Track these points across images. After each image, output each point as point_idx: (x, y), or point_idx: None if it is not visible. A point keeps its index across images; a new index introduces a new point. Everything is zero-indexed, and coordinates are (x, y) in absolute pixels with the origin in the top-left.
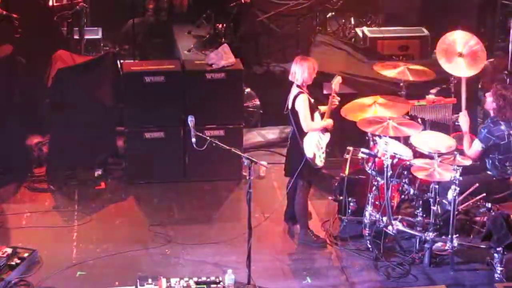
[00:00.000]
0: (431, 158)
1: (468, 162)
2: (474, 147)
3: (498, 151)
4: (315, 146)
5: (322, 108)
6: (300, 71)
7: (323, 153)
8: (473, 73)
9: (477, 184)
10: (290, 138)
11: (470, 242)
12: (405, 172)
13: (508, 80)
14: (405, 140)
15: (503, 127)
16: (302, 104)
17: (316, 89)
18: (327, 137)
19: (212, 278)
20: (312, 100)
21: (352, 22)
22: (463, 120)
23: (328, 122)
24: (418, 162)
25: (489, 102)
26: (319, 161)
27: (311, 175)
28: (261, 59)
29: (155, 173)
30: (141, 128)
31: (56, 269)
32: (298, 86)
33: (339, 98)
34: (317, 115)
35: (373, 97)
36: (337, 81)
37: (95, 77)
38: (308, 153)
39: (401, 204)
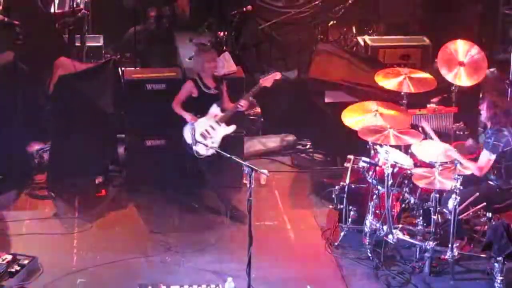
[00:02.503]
0: (432, 167)
1: (468, 172)
2: (484, 159)
3: (505, 158)
4: (198, 134)
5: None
6: (195, 59)
7: (213, 142)
8: (474, 82)
9: (478, 194)
10: None
11: (470, 252)
12: (406, 181)
13: (509, 89)
14: (406, 149)
15: (506, 133)
16: (183, 86)
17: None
18: (224, 129)
19: (212, 286)
20: (211, 90)
21: (354, 31)
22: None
23: (185, 114)
24: (419, 170)
25: (483, 113)
26: (204, 150)
27: (195, 161)
28: (263, 67)
29: (155, 181)
30: (142, 136)
31: (56, 276)
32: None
33: (246, 104)
34: (214, 106)
35: (375, 103)
36: (272, 76)
37: (96, 84)
38: (187, 138)
39: (402, 213)
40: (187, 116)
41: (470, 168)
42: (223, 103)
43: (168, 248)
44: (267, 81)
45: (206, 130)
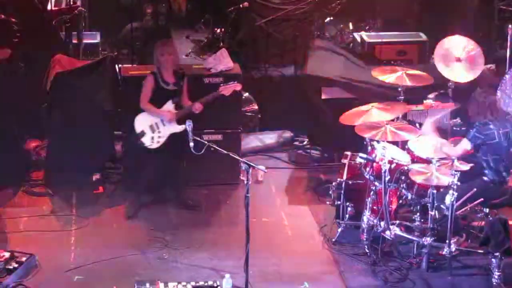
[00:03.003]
0: (429, 162)
1: (466, 167)
2: (462, 145)
3: (490, 152)
4: (148, 126)
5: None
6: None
7: (159, 137)
8: (471, 78)
9: (475, 189)
10: None
11: (468, 247)
12: (403, 177)
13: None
14: (403, 145)
15: (492, 126)
16: (144, 81)
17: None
18: (174, 127)
19: (210, 283)
20: (169, 86)
21: (350, 27)
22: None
23: (161, 111)
24: (416, 166)
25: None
26: (149, 141)
27: (139, 150)
28: (259, 63)
29: (153, 178)
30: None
31: (54, 273)
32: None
33: (200, 107)
34: (169, 103)
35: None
36: (232, 86)
37: (94, 81)
38: (137, 128)
39: (399, 209)
40: (164, 114)
41: (445, 149)
42: (180, 100)
43: (166, 245)
44: (226, 89)
45: (156, 124)
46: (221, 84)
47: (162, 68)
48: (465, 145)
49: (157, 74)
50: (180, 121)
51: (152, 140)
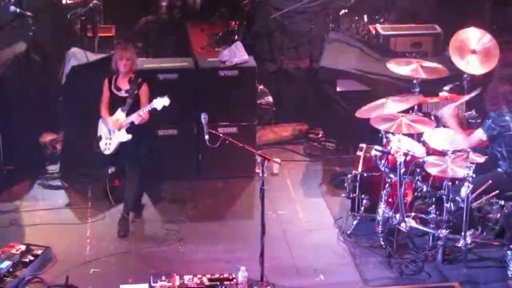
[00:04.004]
0: (445, 155)
1: (481, 159)
2: (476, 135)
3: (505, 143)
4: (103, 131)
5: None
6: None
7: (110, 144)
8: (486, 70)
9: (490, 181)
10: None
11: (483, 239)
12: (418, 170)
13: None
14: (418, 137)
15: (507, 118)
16: (103, 86)
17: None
18: (121, 136)
19: (225, 275)
20: (120, 92)
21: (365, 19)
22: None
23: (110, 119)
24: (431, 159)
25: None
26: (103, 147)
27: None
28: (274, 56)
29: (168, 171)
30: (154, 125)
31: (70, 266)
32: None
33: (138, 119)
34: (119, 111)
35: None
36: (165, 100)
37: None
38: (98, 132)
39: (414, 201)
40: (108, 122)
41: (458, 138)
42: (133, 108)
43: (181, 238)
44: (158, 104)
45: (109, 131)
46: (157, 97)
47: (118, 73)
48: (480, 135)
49: (112, 78)
50: (128, 130)
51: (105, 146)
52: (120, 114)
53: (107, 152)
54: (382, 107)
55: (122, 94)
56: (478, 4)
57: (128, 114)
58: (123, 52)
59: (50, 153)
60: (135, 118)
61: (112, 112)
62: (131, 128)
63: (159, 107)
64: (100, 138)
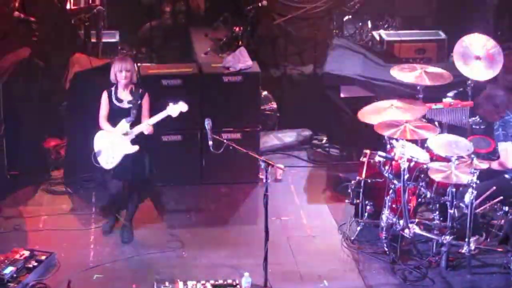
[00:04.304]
0: (449, 161)
1: (485, 165)
2: (503, 149)
3: None
4: (103, 145)
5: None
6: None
7: (113, 157)
8: (490, 76)
9: (494, 188)
10: None
11: (487, 246)
12: (422, 175)
13: None
14: (422, 143)
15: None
16: (101, 99)
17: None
18: (127, 148)
19: (229, 281)
20: (122, 103)
21: (369, 25)
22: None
23: (115, 130)
24: (435, 165)
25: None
26: (104, 162)
27: (101, 170)
28: (278, 62)
29: (172, 176)
30: (158, 131)
31: (74, 272)
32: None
33: (150, 129)
34: (123, 122)
35: (390, 101)
36: (180, 107)
37: None
38: (95, 147)
39: (418, 208)
40: (117, 132)
41: (494, 167)
42: (136, 119)
43: (185, 243)
44: (174, 111)
45: (111, 143)
46: (170, 103)
47: (118, 85)
48: (504, 147)
49: (112, 90)
50: (133, 142)
51: (106, 160)
52: (124, 125)
53: (109, 166)
54: (385, 111)
55: (125, 105)
56: (482, 10)
57: (132, 125)
58: (123, 64)
59: (54, 158)
60: (146, 128)
61: (112, 124)
62: (134, 139)
63: (174, 114)
64: (99, 152)
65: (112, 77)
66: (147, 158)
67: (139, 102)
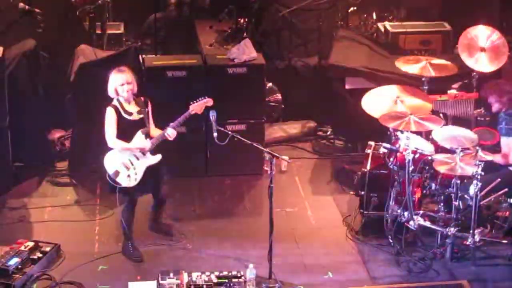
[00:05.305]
0: (453, 153)
1: (490, 157)
2: (504, 145)
3: None
4: (120, 163)
5: (156, 131)
6: (108, 84)
7: (136, 173)
8: (495, 68)
9: (499, 179)
10: None
11: (492, 237)
12: (427, 167)
13: None
14: (427, 135)
15: None
16: (106, 117)
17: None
18: (149, 160)
19: (234, 273)
20: (133, 116)
21: (374, 17)
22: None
23: (134, 144)
24: (440, 156)
25: (495, 105)
26: (126, 180)
27: (121, 190)
28: (283, 53)
29: (176, 168)
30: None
31: (78, 263)
32: (112, 98)
33: (173, 133)
34: (139, 134)
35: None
36: (203, 102)
37: None
38: (109, 169)
39: (423, 199)
40: (138, 148)
41: (497, 160)
42: (148, 129)
43: (190, 235)
44: (197, 107)
45: (130, 160)
46: (192, 102)
47: (122, 99)
48: (506, 141)
49: (118, 106)
50: (154, 152)
51: (128, 178)
52: (141, 137)
53: (133, 183)
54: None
55: (135, 117)
56: (487, 1)
57: (147, 136)
58: (123, 76)
59: (59, 150)
60: (171, 133)
61: (126, 139)
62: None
63: (200, 111)
64: (116, 173)
65: (111, 91)
66: (163, 165)
67: (146, 110)
